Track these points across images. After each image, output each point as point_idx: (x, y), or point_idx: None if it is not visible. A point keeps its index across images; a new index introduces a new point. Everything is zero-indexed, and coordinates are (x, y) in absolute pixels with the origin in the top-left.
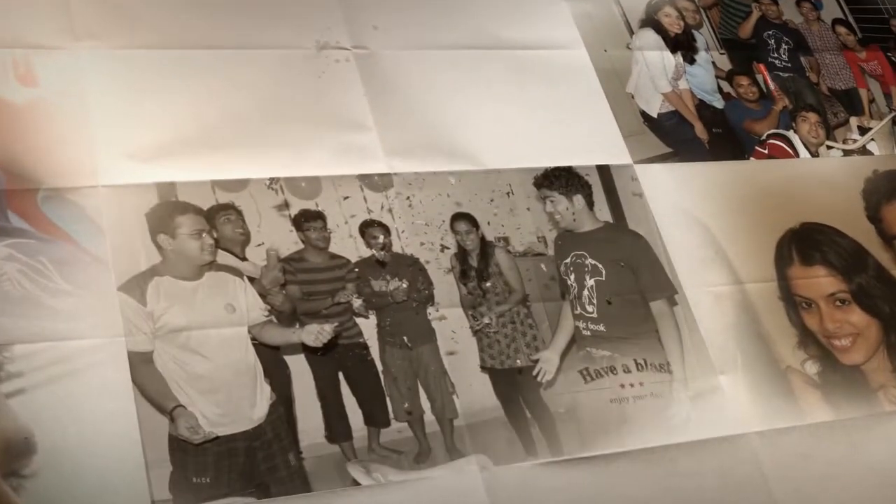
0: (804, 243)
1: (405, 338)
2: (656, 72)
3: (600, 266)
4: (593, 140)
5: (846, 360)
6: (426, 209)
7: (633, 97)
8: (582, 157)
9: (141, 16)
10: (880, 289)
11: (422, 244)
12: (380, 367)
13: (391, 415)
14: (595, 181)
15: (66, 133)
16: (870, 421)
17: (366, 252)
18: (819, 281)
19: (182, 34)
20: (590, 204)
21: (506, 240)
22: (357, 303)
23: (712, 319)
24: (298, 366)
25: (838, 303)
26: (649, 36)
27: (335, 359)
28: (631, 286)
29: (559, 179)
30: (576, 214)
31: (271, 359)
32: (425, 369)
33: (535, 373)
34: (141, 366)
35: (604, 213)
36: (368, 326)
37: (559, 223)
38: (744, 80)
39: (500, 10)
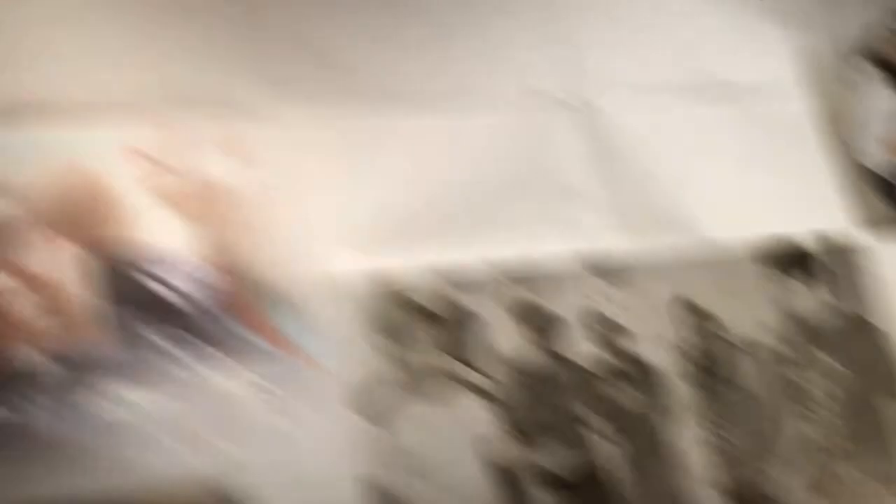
0: None
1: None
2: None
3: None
4: (815, 208)
5: None
6: (649, 296)
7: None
8: (804, 226)
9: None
10: None
11: (652, 341)
12: None
13: None
14: (825, 259)
15: (284, 220)
16: None
17: (596, 353)
18: None
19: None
20: (834, 293)
21: (743, 338)
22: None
23: None
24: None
25: None
26: (870, 71)
27: None
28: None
29: (798, 264)
30: (815, 304)
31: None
32: None
33: None
34: None
35: (843, 301)
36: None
37: (796, 315)
38: None
39: (719, 45)
